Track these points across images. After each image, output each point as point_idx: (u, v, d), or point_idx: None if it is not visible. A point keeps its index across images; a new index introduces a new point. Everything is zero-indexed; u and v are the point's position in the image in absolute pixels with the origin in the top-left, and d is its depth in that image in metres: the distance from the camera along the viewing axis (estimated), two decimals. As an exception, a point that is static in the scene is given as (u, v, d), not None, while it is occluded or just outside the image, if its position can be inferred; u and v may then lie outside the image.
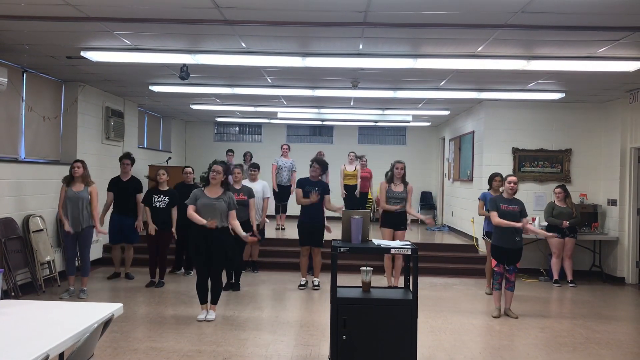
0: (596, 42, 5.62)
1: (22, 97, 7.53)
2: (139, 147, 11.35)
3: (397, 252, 4.47)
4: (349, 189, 11.25)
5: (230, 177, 6.78)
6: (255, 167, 8.55)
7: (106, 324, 3.16)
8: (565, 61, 6.29)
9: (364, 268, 4.55)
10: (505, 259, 6.40)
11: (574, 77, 7.36)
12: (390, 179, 7.44)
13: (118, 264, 8.26)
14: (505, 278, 6.48)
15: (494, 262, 6.53)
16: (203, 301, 6.13)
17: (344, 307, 4.27)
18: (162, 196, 7.75)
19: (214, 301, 6.15)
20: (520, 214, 6.35)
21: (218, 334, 5.56)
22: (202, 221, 5.83)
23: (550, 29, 5.15)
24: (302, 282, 7.81)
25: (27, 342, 2.69)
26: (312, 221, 7.48)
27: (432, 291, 7.85)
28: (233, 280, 7.67)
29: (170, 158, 12.54)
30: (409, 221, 7.67)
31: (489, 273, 7.77)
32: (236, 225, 6.08)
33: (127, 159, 8.17)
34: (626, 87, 8.07)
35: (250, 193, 7.56)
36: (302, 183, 7.60)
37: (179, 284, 8.01)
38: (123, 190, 8.03)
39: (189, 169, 8.63)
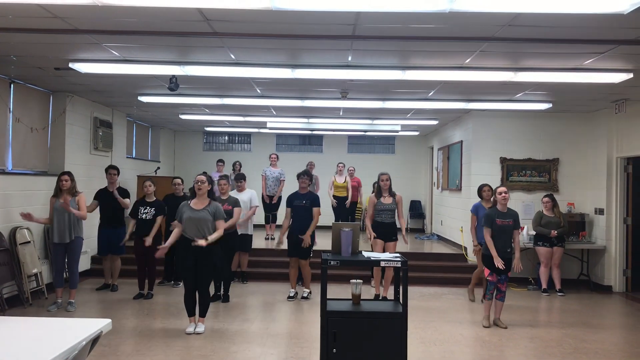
0: (582, 55, 5.70)
1: (10, 108, 7.47)
2: (127, 157, 11.29)
3: (387, 265, 4.47)
4: (339, 200, 11.28)
5: (215, 188, 6.75)
6: (241, 177, 8.51)
7: (94, 340, 3.13)
8: (552, 73, 6.35)
9: (354, 280, 4.55)
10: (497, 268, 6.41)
11: (560, 88, 7.44)
12: (378, 192, 7.46)
13: (108, 276, 8.22)
14: (496, 288, 6.50)
15: (486, 272, 6.55)
16: (191, 313, 6.09)
17: (334, 320, 4.27)
18: (148, 207, 7.71)
19: (202, 314, 6.11)
20: (514, 225, 6.40)
21: (207, 347, 5.52)
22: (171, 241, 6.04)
23: (537, 42, 5.20)
24: (291, 294, 7.78)
25: (13, 361, 2.66)
26: (299, 233, 7.47)
27: (421, 301, 7.87)
28: (222, 292, 7.63)
29: (159, 168, 12.46)
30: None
31: (474, 280, 7.83)
32: (217, 233, 5.94)
33: (113, 169, 8.14)
34: (612, 98, 8.17)
35: (235, 203, 7.53)
36: (291, 199, 7.60)
37: (168, 295, 7.95)
38: (110, 201, 7.98)
39: (178, 180, 8.50)
